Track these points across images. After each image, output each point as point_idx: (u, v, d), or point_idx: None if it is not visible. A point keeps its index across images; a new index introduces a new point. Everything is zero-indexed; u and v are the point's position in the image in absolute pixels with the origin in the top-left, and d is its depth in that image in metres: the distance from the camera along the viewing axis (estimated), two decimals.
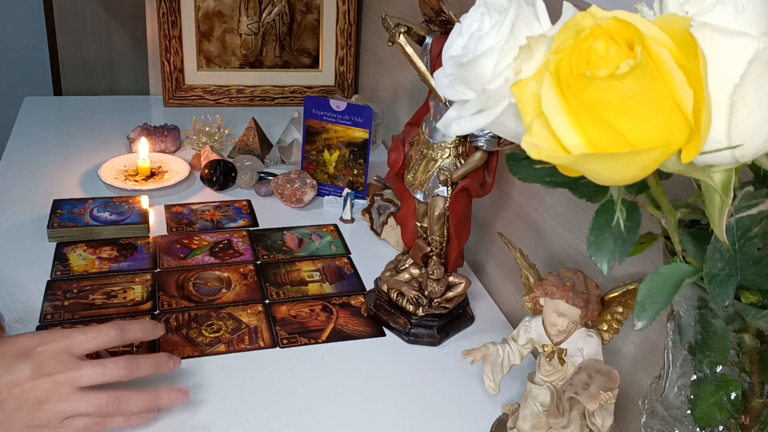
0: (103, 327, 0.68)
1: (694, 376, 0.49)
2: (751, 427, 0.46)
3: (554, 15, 0.38)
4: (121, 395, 0.66)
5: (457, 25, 0.42)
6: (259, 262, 0.99)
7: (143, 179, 1.16)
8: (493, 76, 0.38)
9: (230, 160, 1.22)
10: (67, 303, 0.87)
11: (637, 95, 0.31)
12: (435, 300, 0.85)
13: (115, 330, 0.68)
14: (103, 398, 0.65)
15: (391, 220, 1.03)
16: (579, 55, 0.32)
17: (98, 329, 0.67)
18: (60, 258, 0.96)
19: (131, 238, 1.01)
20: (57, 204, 1.07)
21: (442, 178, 0.81)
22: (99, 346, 0.67)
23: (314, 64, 1.55)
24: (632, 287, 0.63)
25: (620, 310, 0.64)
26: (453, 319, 0.88)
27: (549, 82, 0.33)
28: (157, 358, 0.70)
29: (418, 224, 0.86)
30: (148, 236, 1.02)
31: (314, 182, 1.14)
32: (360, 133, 1.12)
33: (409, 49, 0.81)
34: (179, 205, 1.11)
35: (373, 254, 1.03)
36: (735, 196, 0.37)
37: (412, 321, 0.85)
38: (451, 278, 0.86)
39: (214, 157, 1.20)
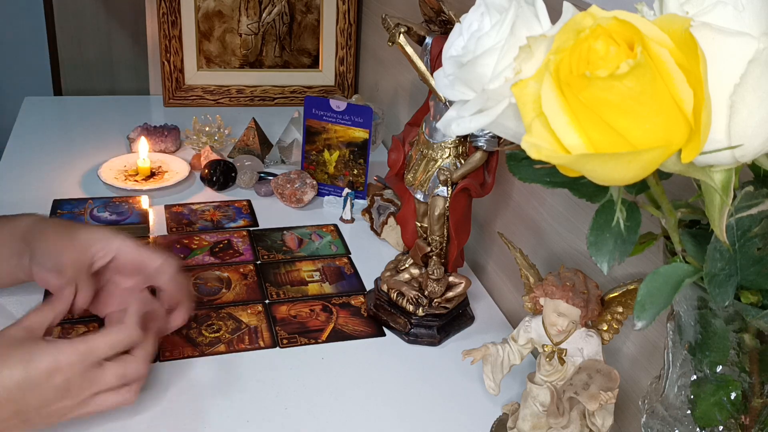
0: (125, 331, 0.66)
1: (694, 376, 0.49)
2: (751, 427, 0.46)
3: (554, 15, 0.38)
4: (124, 372, 0.65)
5: (457, 25, 0.42)
6: (259, 262, 0.99)
7: (143, 179, 1.16)
8: (493, 76, 0.38)
9: (230, 160, 1.22)
10: None
11: (637, 95, 0.31)
12: (435, 300, 0.85)
13: (137, 330, 0.66)
14: (121, 394, 0.65)
15: (391, 220, 1.03)
16: (579, 55, 0.32)
17: (119, 336, 0.65)
18: None
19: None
20: (57, 204, 1.07)
21: (442, 178, 0.81)
22: (122, 350, 0.66)
23: (314, 64, 1.55)
24: (632, 287, 0.63)
25: (620, 310, 0.64)
26: (453, 319, 0.88)
27: (549, 82, 0.33)
28: (156, 329, 0.70)
29: (418, 224, 0.86)
30: (148, 236, 1.02)
31: (314, 182, 1.14)
32: (360, 133, 1.12)
33: (409, 49, 0.81)
34: (179, 205, 1.11)
35: (373, 254, 1.03)
36: (735, 196, 0.37)
37: (412, 321, 0.85)
38: (451, 278, 0.86)
39: (214, 157, 1.20)
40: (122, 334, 0.66)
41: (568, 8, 0.35)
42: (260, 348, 0.82)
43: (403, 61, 1.24)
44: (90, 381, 0.63)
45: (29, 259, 0.75)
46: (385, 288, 0.88)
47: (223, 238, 1.04)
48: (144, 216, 1.05)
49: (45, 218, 0.79)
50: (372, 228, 1.08)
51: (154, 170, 1.18)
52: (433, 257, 0.85)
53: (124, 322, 0.66)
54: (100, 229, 0.78)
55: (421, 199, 0.84)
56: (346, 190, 1.11)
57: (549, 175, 0.45)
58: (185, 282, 0.77)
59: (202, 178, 1.17)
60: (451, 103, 0.41)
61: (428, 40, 0.82)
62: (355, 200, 1.12)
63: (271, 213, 1.12)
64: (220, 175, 1.15)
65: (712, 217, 0.37)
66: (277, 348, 0.83)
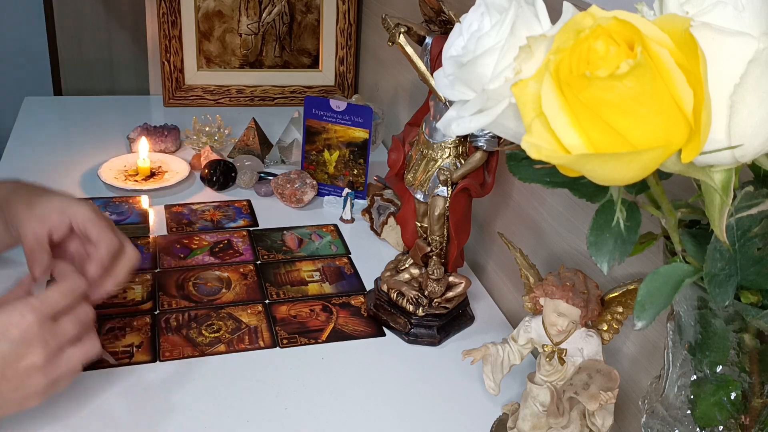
0: (70, 281, 0.67)
1: (694, 376, 0.49)
2: (751, 427, 0.46)
3: (554, 15, 0.38)
4: (77, 317, 0.66)
5: (457, 25, 0.42)
6: (259, 262, 0.99)
7: (143, 179, 1.16)
8: (493, 76, 0.38)
9: (230, 160, 1.22)
10: None
11: (637, 95, 0.31)
12: (435, 300, 0.85)
13: (80, 278, 0.69)
14: (85, 345, 0.66)
15: (391, 220, 1.03)
16: (579, 55, 0.32)
17: (66, 285, 0.67)
18: None
19: (131, 238, 1.01)
20: None
21: (442, 178, 0.81)
22: (73, 299, 0.67)
23: (314, 64, 1.55)
24: (632, 287, 0.63)
25: (620, 310, 0.64)
26: (453, 319, 0.88)
27: (549, 82, 0.33)
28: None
29: (418, 224, 0.86)
30: (148, 236, 1.02)
31: (314, 182, 1.14)
32: (360, 133, 1.12)
33: (409, 49, 0.81)
34: (179, 205, 1.11)
35: (373, 254, 1.03)
36: (735, 196, 0.37)
37: (412, 321, 0.85)
38: (451, 278, 0.86)
39: (214, 157, 1.20)
40: (70, 283, 0.67)
41: (568, 8, 0.35)
42: (260, 348, 0.82)
43: (403, 61, 1.24)
44: (51, 333, 0.63)
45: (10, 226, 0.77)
46: (385, 288, 0.88)
47: (223, 238, 1.04)
48: (144, 216, 1.05)
49: (19, 186, 0.79)
50: (372, 228, 1.08)
51: (154, 170, 1.18)
52: (433, 257, 0.85)
53: (66, 274, 0.69)
54: (59, 198, 0.76)
55: (421, 199, 0.84)
56: (346, 190, 1.11)
57: (549, 175, 0.45)
58: (124, 263, 0.76)
59: (202, 178, 1.17)
60: (451, 103, 0.41)
61: (428, 40, 0.82)
62: (355, 200, 1.12)
63: (271, 213, 1.12)
64: (220, 175, 1.15)
65: (712, 217, 0.36)
66: (277, 348, 0.83)
